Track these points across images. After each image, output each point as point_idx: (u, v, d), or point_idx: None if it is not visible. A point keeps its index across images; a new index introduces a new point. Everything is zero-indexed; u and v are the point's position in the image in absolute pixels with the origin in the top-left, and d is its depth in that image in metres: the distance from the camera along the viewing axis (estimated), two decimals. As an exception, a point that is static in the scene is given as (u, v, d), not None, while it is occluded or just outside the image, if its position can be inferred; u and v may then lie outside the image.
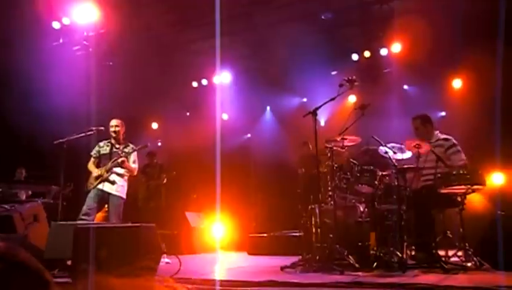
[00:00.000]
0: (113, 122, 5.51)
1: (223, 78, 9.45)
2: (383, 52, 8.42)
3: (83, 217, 5.05)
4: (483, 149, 6.33)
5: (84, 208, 5.15)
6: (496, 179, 6.87)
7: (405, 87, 8.71)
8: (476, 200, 4.90)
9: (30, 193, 6.93)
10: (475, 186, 3.96)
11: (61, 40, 8.36)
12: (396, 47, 8.25)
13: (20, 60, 7.35)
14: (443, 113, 8.03)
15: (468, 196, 4.17)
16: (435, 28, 7.05)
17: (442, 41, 7.29)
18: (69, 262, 3.58)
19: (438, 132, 4.69)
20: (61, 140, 5.26)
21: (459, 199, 4.13)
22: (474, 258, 3.92)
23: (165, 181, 8.18)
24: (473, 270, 3.79)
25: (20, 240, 4.46)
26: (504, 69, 6.37)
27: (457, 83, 8.24)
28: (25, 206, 5.12)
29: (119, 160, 5.24)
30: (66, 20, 8.07)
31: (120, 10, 7.80)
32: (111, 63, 8.64)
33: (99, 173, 5.31)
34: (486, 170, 5.75)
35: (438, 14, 7.13)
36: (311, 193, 4.93)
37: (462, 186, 3.95)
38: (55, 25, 8.08)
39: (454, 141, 4.52)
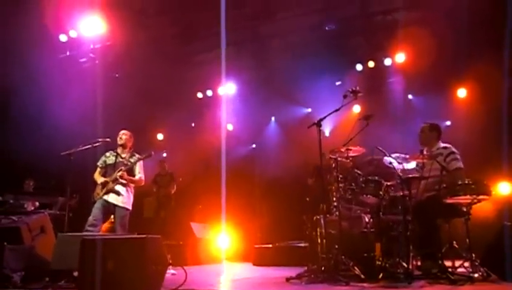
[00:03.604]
0: (122, 132, 5.59)
1: (227, 88, 9.52)
2: (387, 62, 8.46)
3: (89, 228, 5.07)
4: (489, 159, 6.31)
5: (90, 219, 5.18)
6: (502, 188, 6.83)
7: (409, 97, 8.72)
8: (482, 210, 4.87)
9: (37, 204, 6.98)
10: (480, 197, 3.95)
11: (68, 53, 8.49)
12: (400, 57, 8.29)
13: (28, 72, 7.46)
14: (448, 123, 8.01)
15: (474, 206, 4.16)
16: (439, 37, 7.08)
17: (447, 50, 7.31)
18: (75, 273, 3.60)
19: (440, 141, 4.70)
20: (68, 151, 5.30)
21: (464, 209, 4.11)
22: (481, 269, 3.89)
23: (174, 190, 8.21)
24: (480, 281, 3.77)
25: (27, 251, 4.49)
26: (509, 78, 6.37)
27: (462, 93, 8.24)
28: (32, 217, 5.16)
29: (118, 174, 5.26)
30: (73, 33, 8.20)
31: (126, 23, 7.92)
32: (117, 75, 8.74)
33: (105, 181, 5.34)
34: (493, 180, 5.73)
35: (442, 24, 7.17)
36: (322, 203, 4.93)
37: (468, 197, 3.94)
38: (62, 37, 8.22)
39: (453, 149, 4.52)
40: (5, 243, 4.30)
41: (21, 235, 4.71)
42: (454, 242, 4.24)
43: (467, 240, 4.08)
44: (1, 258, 4.11)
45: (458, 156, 4.49)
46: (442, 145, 4.62)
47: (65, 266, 3.92)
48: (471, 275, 3.90)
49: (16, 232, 4.70)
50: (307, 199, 6.30)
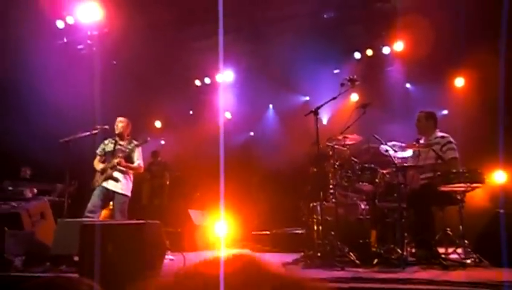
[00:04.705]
0: (118, 119, 5.64)
1: (225, 76, 9.50)
2: (386, 50, 8.44)
3: (88, 215, 5.13)
4: (485, 147, 6.34)
5: (89, 205, 5.23)
6: (498, 177, 6.89)
7: (407, 85, 8.73)
8: (477, 198, 4.94)
9: (35, 191, 7.02)
10: (474, 185, 4.02)
11: (65, 39, 8.43)
12: (398, 45, 8.26)
13: (25, 58, 7.42)
14: (445, 112, 8.03)
15: (469, 194, 4.22)
16: (437, 26, 7.06)
17: (445, 39, 7.30)
18: (76, 258, 3.66)
19: (438, 130, 4.74)
20: (66, 139, 5.34)
21: (458, 197, 4.18)
22: (474, 255, 3.97)
23: (168, 180, 8.26)
24: (472, 266, 3.85)
25: (28, 236, 4.55)
26: (507, 67, 6.39)
27: (459, 82, 8.24)
28: (32, 203, 5.22)
29: (115, 161, 5.29)
30: (70, 19, 8.14)
31: (123, 9, 7.85)
32: (115, 62, 8.70)
33: (104, 168, 5.39)
34: (489, 168, 5.79)
35: (440, 12, 7.14)
36: (322, 190, 4.99)
37: (462, 185, 4.00)
38: (59, 24, 8.15)
39: (451, 139, 4.57)
40: (6, 229, 4.36)
41: (21, 221, 4.77)
42: (448, 229, 4.32)
43: (460, 227, 4.15)
44: (2, 243, 4.18)
45: (455, 146, 4.53)
46: (440, 134, 4.67)
47: (65, 251, 3.98)
48: (463, 261, 3.98)
49: (16, 218, 4.77)
50: (309, 187, 6.35)
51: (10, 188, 6.60)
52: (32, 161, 7.84)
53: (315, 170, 6.87)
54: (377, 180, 4.47)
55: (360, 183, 4.56)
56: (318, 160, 4.76)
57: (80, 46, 8.57)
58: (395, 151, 4.47)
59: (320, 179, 5.25)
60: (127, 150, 5.42)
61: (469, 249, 4.04)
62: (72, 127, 5.85)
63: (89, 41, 8.47)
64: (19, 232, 4.57)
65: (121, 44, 8.35)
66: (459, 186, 4.04)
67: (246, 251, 6.88)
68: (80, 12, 7.98)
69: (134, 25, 8.10)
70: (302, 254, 4.58)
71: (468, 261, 3.95)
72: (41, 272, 3.82)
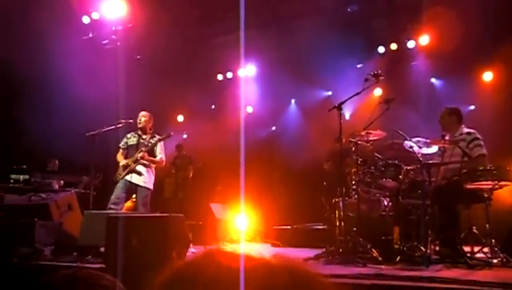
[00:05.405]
0: (140, 114, 5.73)
1: (247, 71, 9.50)
2: (410, 44, 8.27)
3: (112, 206, 5.25)
4: (514, 144, 6.18)
5: (113, 197, 5.35)
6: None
7: (432, 80, 8.54)
8: (505, 196, 4.81)
9: (62, 182, 7.22)
10: (502, 183, 3.91)
11: (90, 35, 8.60)
12: (424, 39, 8.08)
13: (51, 53, 7.60)
14: (472, 107, 7.82)
15: (498, 192, 4.11)
16: (464, 18, 6.87)
17: (472, 32, 7.08)
18: (102, 249, 3.76)
19: (463, 126, 4.63)
20: (92, 132, 5.47)
21: (485, 194, 4.07)
22: (501, 255, 3.88)
23: (191, 173, 8.37)
24: (498, 266, 3.75)
25: (56, 227, 4.70)
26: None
27: (488, 76, 8.01)
28: (60, 195, 5.37)
29: (139, 155, 5.38)
30: (95, 15, 8.30)
31: (147, 5, 7.96)
32: (139, 57, 8.83)
33: (127, 163, 5.49)
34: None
35: (468, 4, 6.94)
36: (339, 186, 4.96)
37: (489, 182, 3.90)
38: (85, 19, 8.33)
39: (478, 135, 4.44)
40: (36, 219, 4.52)
41: (50, 212, 4.92)
42: (474, 228, 4.22)
43: (487, 226, 4.06)
44: (33, 233, 4.34)
45: (482, 142, 4.41)
46: (466, 130, 4.55)
47: (91, 242, 4.10)
48: (489, 260, 3.89)
49: (45, 209, 4.92)
50: (324, 183, 6.33)
51: (37, 179, 6.80)
52: (58, 154, 8.04)
53: (327, 165, 6.87)
54: (400, 176, 4.41)
55: (384, 179, 4.51)
56: (340, 156, 4.73)
57: (104, 41, 8.73)
58: (420, 147, 4.38)
59: (336, 175, 5.23)
60: (150, 144, 5.51)
61: (496, 249, 3.94)
62: (97, 121, 5.98)
63: (113, 37, 8.62)
64: (48, 222, 4.72)
65: (145, 39, 8.47)
66: (486, 184, 3.94)
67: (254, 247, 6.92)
68: (105, 7, 8.13)
69: (158, 20, 8.19)
70: (324, 249, 4.56)
71: (495, 260, 3.85)
72: (69, 261, 3.94)
